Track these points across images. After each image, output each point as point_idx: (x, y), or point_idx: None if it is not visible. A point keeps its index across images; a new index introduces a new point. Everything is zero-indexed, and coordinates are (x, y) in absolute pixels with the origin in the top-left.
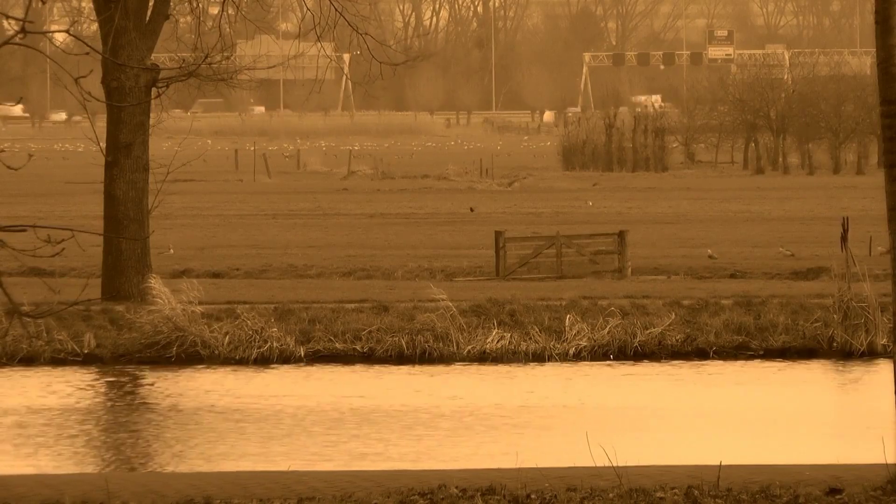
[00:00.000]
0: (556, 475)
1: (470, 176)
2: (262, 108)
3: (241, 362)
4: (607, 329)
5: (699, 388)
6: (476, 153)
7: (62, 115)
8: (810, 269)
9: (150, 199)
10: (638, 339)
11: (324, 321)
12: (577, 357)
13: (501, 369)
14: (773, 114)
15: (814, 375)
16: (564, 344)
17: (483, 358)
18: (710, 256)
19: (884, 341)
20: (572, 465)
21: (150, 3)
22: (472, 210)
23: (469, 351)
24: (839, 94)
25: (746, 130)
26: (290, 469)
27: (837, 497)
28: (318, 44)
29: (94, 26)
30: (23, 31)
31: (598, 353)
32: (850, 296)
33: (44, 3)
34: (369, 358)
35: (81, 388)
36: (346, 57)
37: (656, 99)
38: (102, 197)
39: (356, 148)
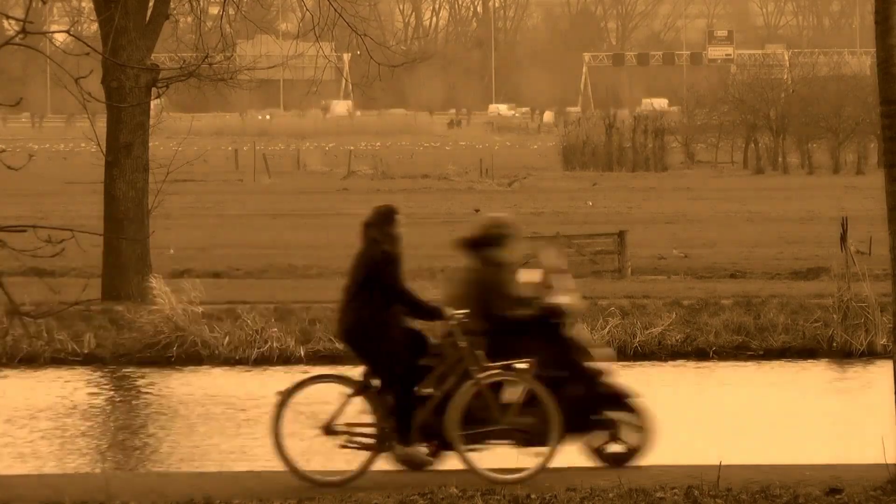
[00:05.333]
0: (556, 475)
1: (470, 176)
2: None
3: (241, 362)
4: (607, 329)
5: (699, 388)
6: (476, 153)
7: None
8: (810, 269)
9: (150, 199)
10: (638, 339)
11: (324, 321)
12: None
13: None
14: (773, 114)
15: (814, 375)
16: None
17: None
18: (681, 256)
19: (884, 341)
20: (572, 465)
21: (150, 3)
22: (476, 211)
23: None
24: (839, 94)
25: (746, 130)
26: None
27: (837, 497)
28: (317, 44)
29: (94, 26)
30: (23, 31)
31: None
32: (849, 296)
33: (44, 3)
34: None
35: (81, 388)
36: (346, 57)
37: (661, 102)
38: (102, 197)
39: (362, 146)
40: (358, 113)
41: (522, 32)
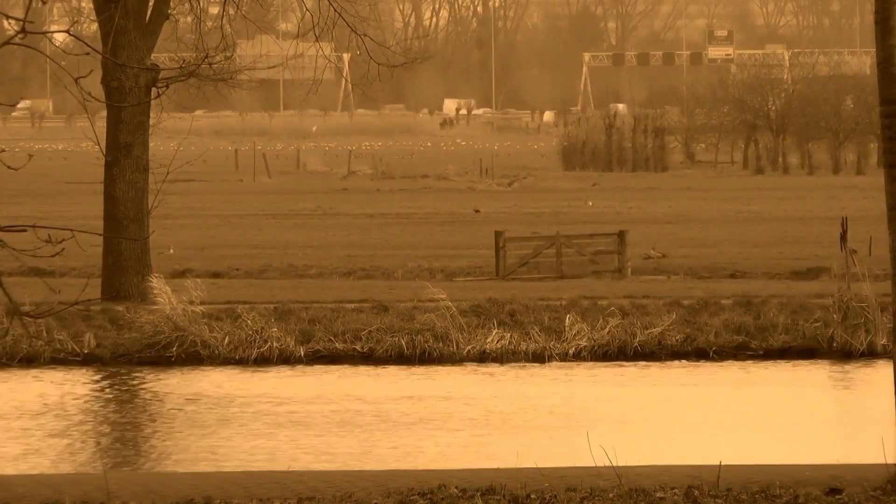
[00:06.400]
0: (556, 475)
1: (470, 176)
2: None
3: (241, 362)
4: (607, 329)
5: (699, 388)
6: (476, 153)
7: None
8: (810, 269)
9: (150, 199)
10: (638, 339)
11: (324, 321)
12: (577, 357)
13: (500, 369)
14: (773, 114)
15: (814, 375)
16: (564, 344)
17: (483, 358)
18: (648, 257)
19: (884, 341)
20: (572, 465)
21: (150, 3)
22: (477, 211)
23: (469, 351)
24: (839, 94)
25: (746, 130)
26: (290, 469)
27: (837, 497)
28: (317, 44)
29: (94, 26)
30: (23, 31)
31: (598, 353)
32: (849, 296)
33: (44, 3)
34: (369, 358)
35: (81, 388)
36: (346, 57)
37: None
38: (102, 197)
39: (365, 146)
40: (475, 112)
41: (522, 32)
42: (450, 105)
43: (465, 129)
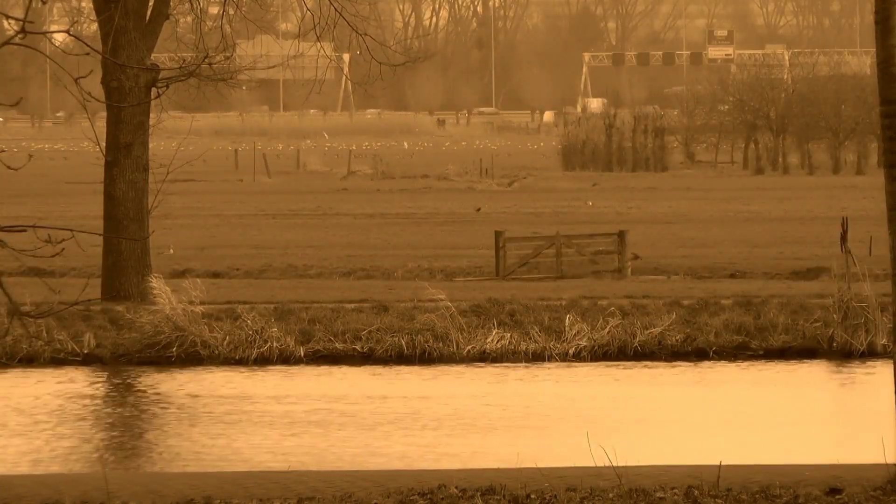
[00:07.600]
0: (556, 475)
1: (470, 176)
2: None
3: (241, 362)
4: (607, 329)
5: (699, 388)
6: (476, 153)
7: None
8: (810, 269)
9: (150, 199)
10: (638, 339)
11: (324, 321)
12: (577, 357)
13: (500, 369)
14: (772, 114)
15: (814, 375)
16: (564, 344)
17: (483, 358)
18: (631, 257)
19: (884, 341)
20: (572, 465)
21: (150, 3)
22: (478, 210)
23: (469, 351)
24: (839, 94)
25: (746, 130)
26: (290, 469)
27: (837, 497)
28: (318, 44)
29: (94, 26)
30: (23, 31)
31: (598, 354)
32: (850, 296)
33: (44, 3)
34: (369, 358)
35: (81, 388)
36: (346, 57)
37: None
38: (102, 197)
39: (365, 146)
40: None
41: (522, 32)
42: (593, 104)
43: (465, 129)
